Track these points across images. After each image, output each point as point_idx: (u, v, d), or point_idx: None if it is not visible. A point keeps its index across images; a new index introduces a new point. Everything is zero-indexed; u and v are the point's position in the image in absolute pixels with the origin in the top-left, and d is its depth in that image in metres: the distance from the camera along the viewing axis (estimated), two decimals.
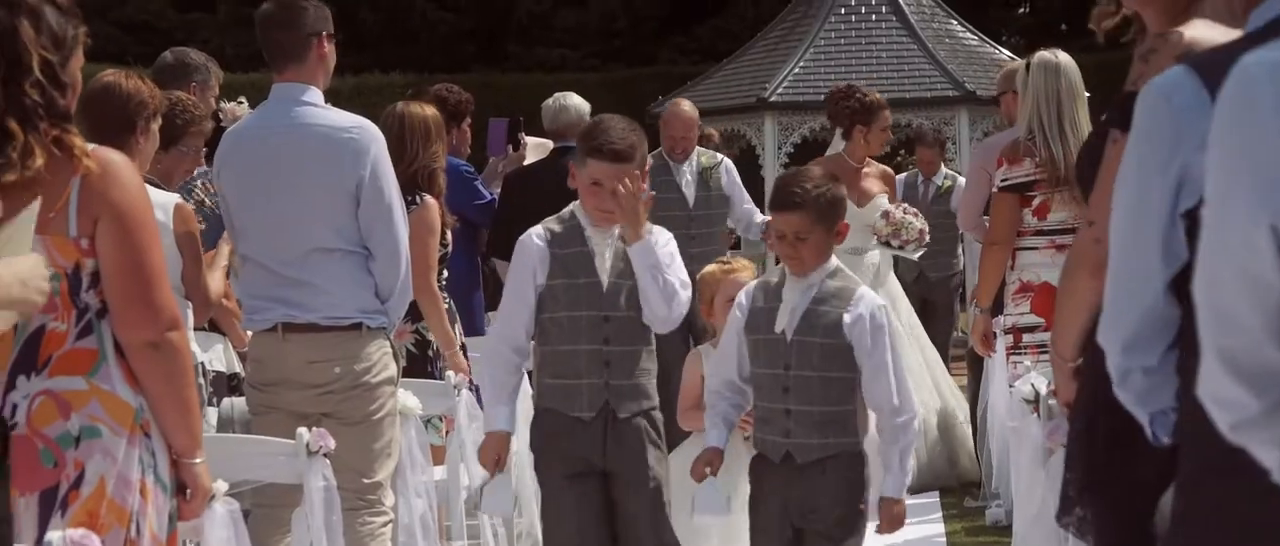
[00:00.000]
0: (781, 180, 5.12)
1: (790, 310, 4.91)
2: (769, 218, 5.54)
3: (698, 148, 9.33)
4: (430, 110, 6.74)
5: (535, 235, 5.18)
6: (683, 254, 8.18)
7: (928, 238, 9.08)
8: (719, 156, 9.42)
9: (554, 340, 5.16)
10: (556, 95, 8.92)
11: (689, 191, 9.04)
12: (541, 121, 8.91)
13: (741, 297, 5.11)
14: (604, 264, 5.15)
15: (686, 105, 9.38)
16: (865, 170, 9.21)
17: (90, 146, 3.59)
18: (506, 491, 5.40)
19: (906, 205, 9.34)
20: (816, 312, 4.90)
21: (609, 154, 5.07)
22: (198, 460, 3.74)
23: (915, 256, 9.18)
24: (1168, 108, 2.42)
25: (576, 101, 8.77)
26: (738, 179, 9.36)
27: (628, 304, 5.15)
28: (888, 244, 9.00)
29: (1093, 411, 3.73)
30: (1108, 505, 3.77)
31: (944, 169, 12.11)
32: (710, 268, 6.06)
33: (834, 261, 5.00)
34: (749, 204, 9.33)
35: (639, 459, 5.15)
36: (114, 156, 3.64)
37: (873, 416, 5.00)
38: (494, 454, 5.19)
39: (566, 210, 5.23)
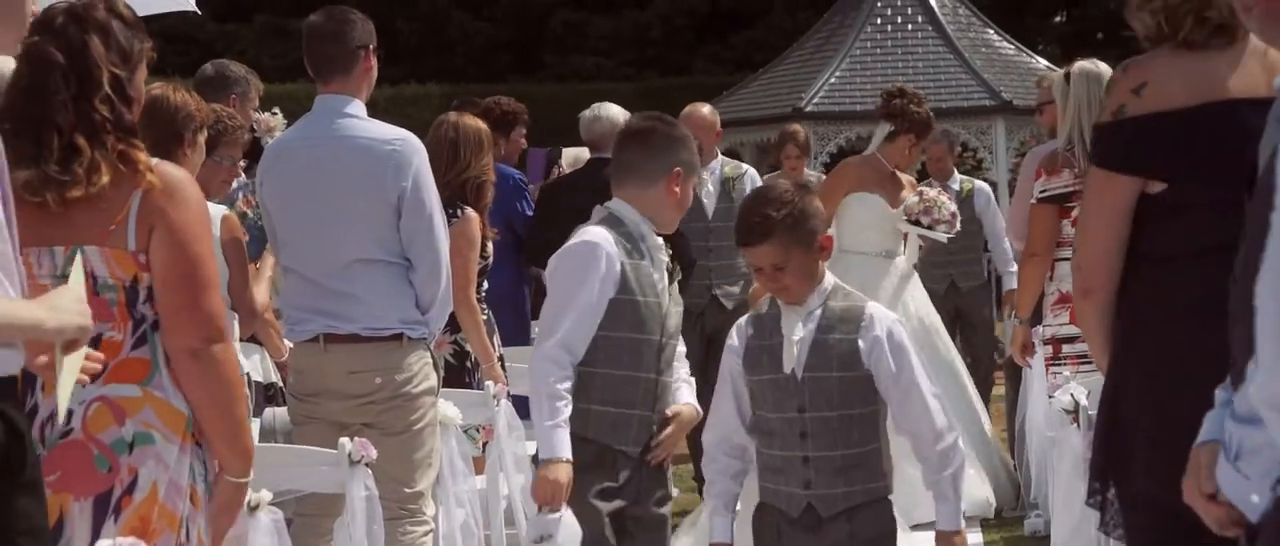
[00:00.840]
0: (743, 209, 4.47)
1: (796, 344, 4.33)
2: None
3: (723, 157, 9.06)
4: (481, 123, 6.80)
5: (606, 240, 4.60)
6: (701, 267, 8.08)
7: (959, 224, 8.65)
8: (744, 167, 9.13)
9: (607, 362, 4.60)
10: (594, 105, 8.93)
11: (709, 202, 8.67)
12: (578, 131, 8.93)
13: (733, 337, 4.50)
14: (664, 283, 4.72)
15: (706, 109, 8.95)
16: (898, 177, 8.85)
17: (154, 161, 3.64)
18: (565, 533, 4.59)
19: (940, 186, 9.07)
20: (826, 343, 4.33)
21: None
22: (240, 478, 3.71)
23: (944, 239, 8.67)
24: None
25: (611, 112, 8.73)
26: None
27: (674, 330, 4.77)
28: (918, 222, 8.54)
29: (1114, 399, 3.77)
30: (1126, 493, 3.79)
31: (957, 173, 11.39)
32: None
33: (829, 279, 4.42)
34: None
35: (662, 504, 4.77)
36: (178, 173, 3.69)
37: (893, 448, 4.47)
38: (559, 487, 4.47)
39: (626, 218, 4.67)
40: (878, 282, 8.34)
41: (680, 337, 4.83)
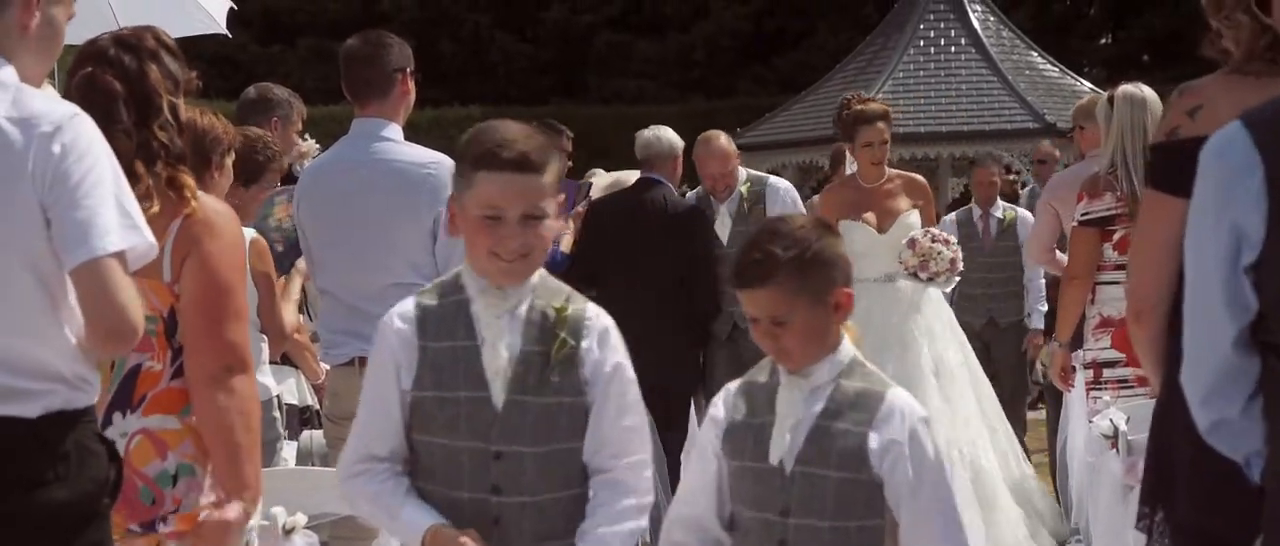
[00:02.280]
0: (745, 244, 3.51)
1: (789, 429, 3.39)
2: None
3: (745, 172, 8.62)
4: None
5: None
6: (728, 296, 7.66)
7: (960, 265, 7.95)
8: (767, 177, 8.72)
9: None
10: (653, 126, 8.84)
11: (723, 230, 8.37)
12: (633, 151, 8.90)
13: (718, 405, 3.53)
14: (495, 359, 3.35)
15: (723, 139, 8.52)
16: (886, 186, 8.14)
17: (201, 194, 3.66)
18: None
19: (934, 231, 8.01)
20: (828, 432, 3.37)
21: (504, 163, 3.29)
22: (233, 507, 3.53)
23: (948, 289, 8.13)
24: (1219, 165, 2.44)
25: (670, 135, 8.60)
26: (794, 202, 8.58)
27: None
28: (916, 277, 7.93)
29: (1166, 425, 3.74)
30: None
31: (1001, 201, 10.77)
32: None
33: (847, 350, 3.46)
34: None
35: None
36: (220, 208, 3.71)
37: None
38: None
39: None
40: (881, 311, 7.93)
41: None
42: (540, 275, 3.39)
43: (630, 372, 3.37)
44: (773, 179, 8.72)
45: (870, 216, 8.02)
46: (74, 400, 3.05)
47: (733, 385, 3.56)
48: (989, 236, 10.42)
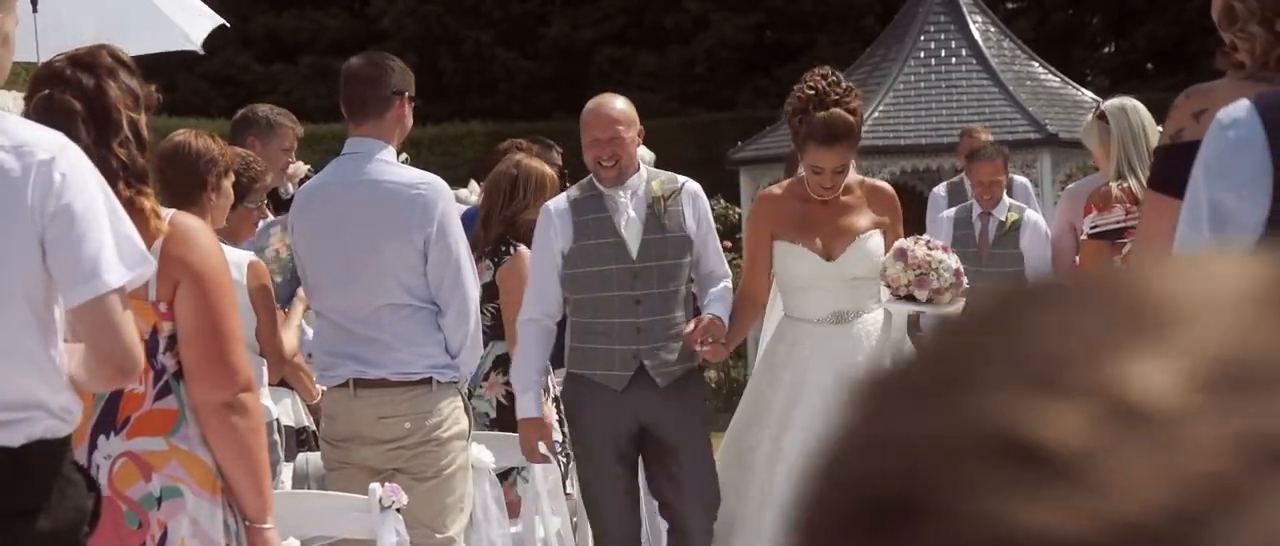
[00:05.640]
0: None
1: None
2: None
3: (650, 170, 6.13)
4: (548, 169, 6.88)
5: None
6: (625, 325, 6.08)
7: (965, 281, 6.05)
8: (682, 179, 6.05)
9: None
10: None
11: (632, 236, 5.93)
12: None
13: None
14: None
15: (620, 102, 6.06)
16: (841, 197, 6.05)
17: (169, 211, 3.63)
18: None
19: (928, 238, 6.17)
20: None
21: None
22: (268, 524, 3.71)
23: (956, 310, 5.87)
24: (1223, 138, 2.47)
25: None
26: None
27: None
28: (910, 298, 5.90)
29: None
30: None
31: (1007, 199, 8.83)
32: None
33: None
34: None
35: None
36: (191, 221, 3.69)
37: None
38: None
39: None
40: (824, 363, 5.98)
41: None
42: None
43: None
44: (688, 182, 6.06)
45: (816, 241, 6.05)
46: (56, 429, 3.03)
47: None
48: (986, 241, 8.62)
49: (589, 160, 5.95)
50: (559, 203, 6.02)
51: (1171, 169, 3.64)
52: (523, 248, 6.43)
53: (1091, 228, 6.43)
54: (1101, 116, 6.47)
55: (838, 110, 5.88)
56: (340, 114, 5.65)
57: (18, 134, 3.01)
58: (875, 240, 6.09)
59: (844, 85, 6.06)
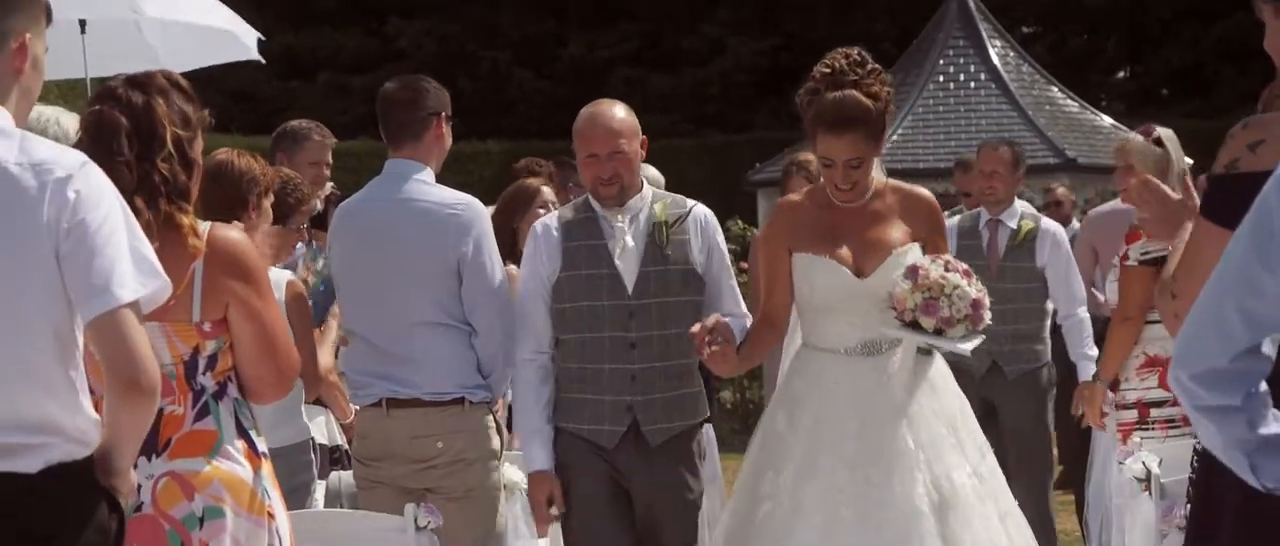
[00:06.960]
0: None
1: None
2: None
3: (655, 192, 5.45)
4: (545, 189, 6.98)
5: None
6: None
7: (986, 314, 5.02)
8: (690, 203, 5.40)
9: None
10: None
11: (628, 267, 5.28)
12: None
13: None
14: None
15: (620, 110, 5.37)
16: (871, 205, 5.21)
17: (207, 225, 3.68)
18: None
19: (948, 258, 5.09)
20: None
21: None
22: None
23: (967, 349, 5.05)
24: (1275, 199, 2.56)
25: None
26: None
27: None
28: (916, 325, 4.96)
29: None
30: None
31: (1018, 204, 7.83)
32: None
33: None
34: None
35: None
36: (235, 236, 3.74)
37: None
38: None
39: None
40: (854, 403, 5.08)
41: None
42: None
43: None
44: (697, 206, 5.41)
45: (845, 252, 5.15)
46: (74, 453, 3.04)
47: None
48: (996, 252, 7.69)
49: (586, 179, 5.31)
50: (548, 222, 5.36)
51: (1225, 198, 3.65)
52: (512, 267, 5.98)
53: (1142, 254, 6.35)
54: (1157, 142, 6.46)
55: (853, 92, 5.02)
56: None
57: (36, 153, 3.04)
58: (914, 256, 5.09)
59: (869, 66, 5.13)
